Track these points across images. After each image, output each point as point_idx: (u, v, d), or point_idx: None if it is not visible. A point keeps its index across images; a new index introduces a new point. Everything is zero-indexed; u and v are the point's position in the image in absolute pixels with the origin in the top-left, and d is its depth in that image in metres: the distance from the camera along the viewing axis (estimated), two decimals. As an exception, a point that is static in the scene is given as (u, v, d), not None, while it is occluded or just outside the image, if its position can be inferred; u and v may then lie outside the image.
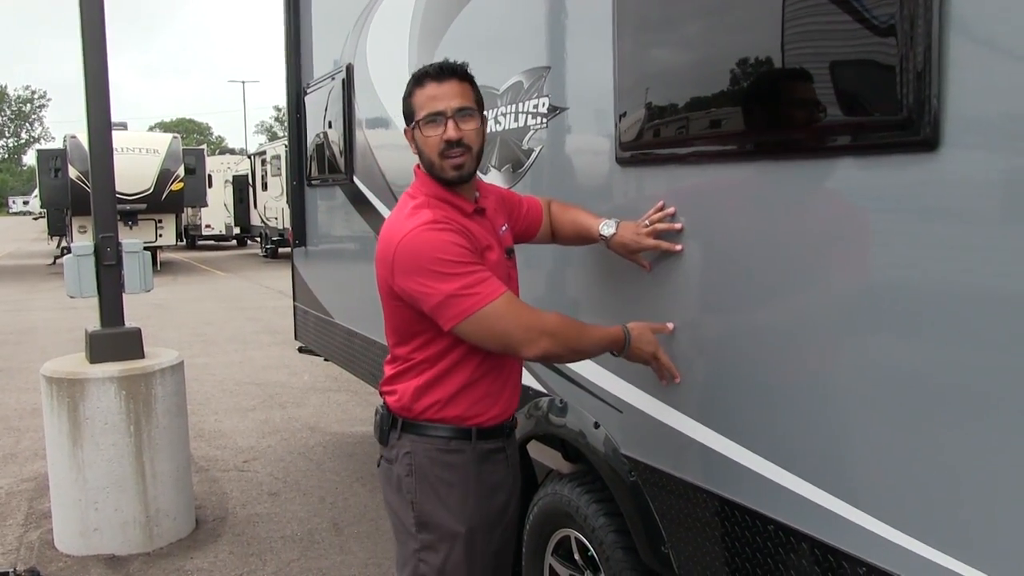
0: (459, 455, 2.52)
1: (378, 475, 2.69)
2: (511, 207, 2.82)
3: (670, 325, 2.58)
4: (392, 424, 2.57)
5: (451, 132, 2.39)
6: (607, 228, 2.70)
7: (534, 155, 3.28)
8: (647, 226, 2.58)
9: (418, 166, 2.55)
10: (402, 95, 2.52)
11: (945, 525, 1.86)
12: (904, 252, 1.90)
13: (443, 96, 2.39)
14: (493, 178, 3.58)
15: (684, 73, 2.55)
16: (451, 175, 2.43)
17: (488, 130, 3.56)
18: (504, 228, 2.68)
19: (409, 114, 2.48)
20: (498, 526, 2.62)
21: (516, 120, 3.37)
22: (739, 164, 2.38)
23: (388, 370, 2.63)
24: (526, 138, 3.31)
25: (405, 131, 2.52)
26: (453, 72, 2.44)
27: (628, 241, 2.64)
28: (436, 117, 2.39)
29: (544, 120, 3.20)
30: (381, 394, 2.67)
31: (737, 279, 2.39)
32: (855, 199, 2.02)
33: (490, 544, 2.59)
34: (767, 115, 2.25)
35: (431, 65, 2.46)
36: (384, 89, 4.72)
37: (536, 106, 3.24)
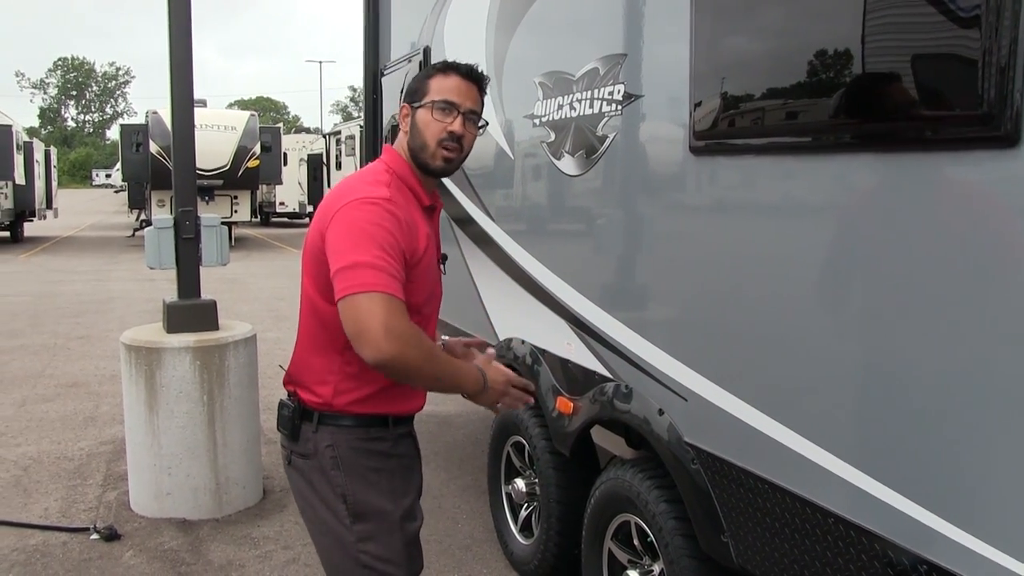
0: (379, 442, 2.47)
1: (290, 474, 2.56)
2: None
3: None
4: (304, 417, 2.46)
5: (458, 126, 2.39)
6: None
7: (608, 142, 3.29)
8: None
9: (389, 145, 2.53)
10: (417, 76, 2.50)
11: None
12: (980, 250, 1.89)
13: (463, 93, 2.40)
14: (566, 164, 3.60)
15: (759, 64, 2.54)
16: (440, 165, 2.42)
17: (563, 116, 3.59)
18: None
19: (419, 93, 2.43)
20: (417, 501, 2.57)
21: (591, 107, 3.39)
22: (814, 156, 2.37)
23: (302, 364, 2.49)
24: (600, 125, 3.33)
25: (403, 107, 2.48)
26: (479, 79, 2.46)
27: None
28: (450, 107, 2.38)
29: (619, 107, 3.21)
30: (291, 388, 2.52)
31: (810, 272, 2.39)
32: (933, 195, 2.01)
33: (416, 521, 2.54)
34: (844, 108, 2.23)
35: (460, 63, 2.47)
36: (460, 72, 4.75)
37: (611, 93, 3.25)
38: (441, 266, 2.58)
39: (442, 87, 2.40)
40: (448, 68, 2.44)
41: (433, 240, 2.49)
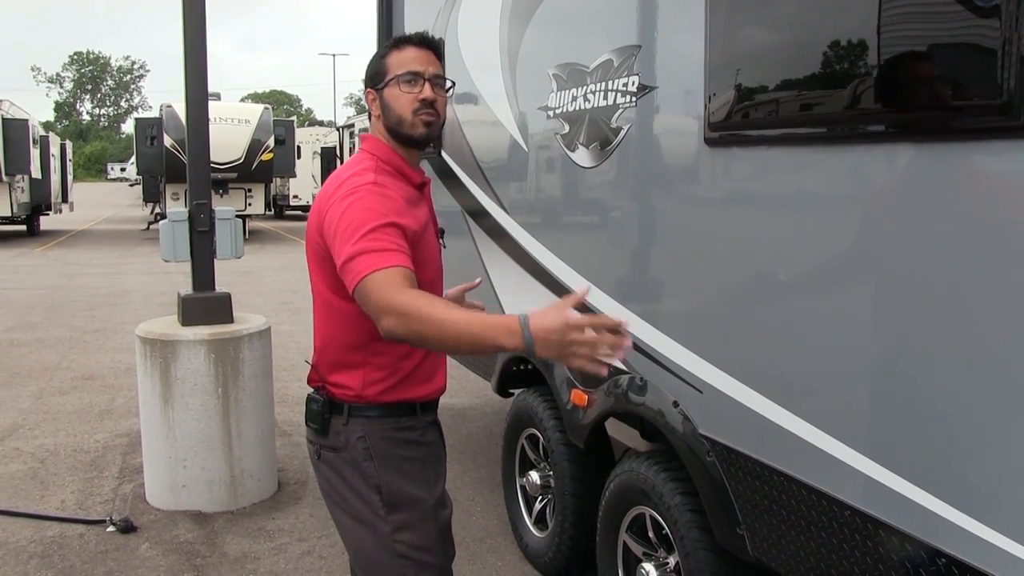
0: (411, 431, 2.48)
1: (320, 469, 2.54)
2: None
3: (584, 287, 2.23)
4: (334, 411, 2.45)
5: (428, 92, 2.39)
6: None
7: (622, 133, 3.28)
8: None
9: (367, 134, 2.53)
10: (371, 60, 2.49)
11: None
12: (998, 241, 1.87)
13: (423, 60, 2.41)
14: (581, 156, 3.59)
15: (775, 54, 2.53)
16: (422, 131, 2.42)
17: (577, 107, 3.58)
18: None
19: (380, 74, 2.44)
20: (445, 489, 2.60)
21: (605, 98, 3.37)
22: (830, 147, 2.35)
23: (328, 360, 2.48)
24: (615, 116, 3.31)
25: (367, 93, 2.48)
26: (433, 45, 2.46)
27: None
28: (415, 77, 2.39)
29: (633, 99, 3.19)
30: (318, 383, 2.51)
31: (826, 264, 2.38)
32: (951, 186, 1.99)
33: (447, 509, 2.57)
34: (861, 98, 2.22)
35: (410, 33, 2.48)
36: (474, 65, 4.75)
37: (626, 84, 3.24)
38: (440, 240, 2.60)
39: (401, 61, 2.40)
40: (400, 42, 2.45)
41: (430, 216, 2.52)
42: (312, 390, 2.54)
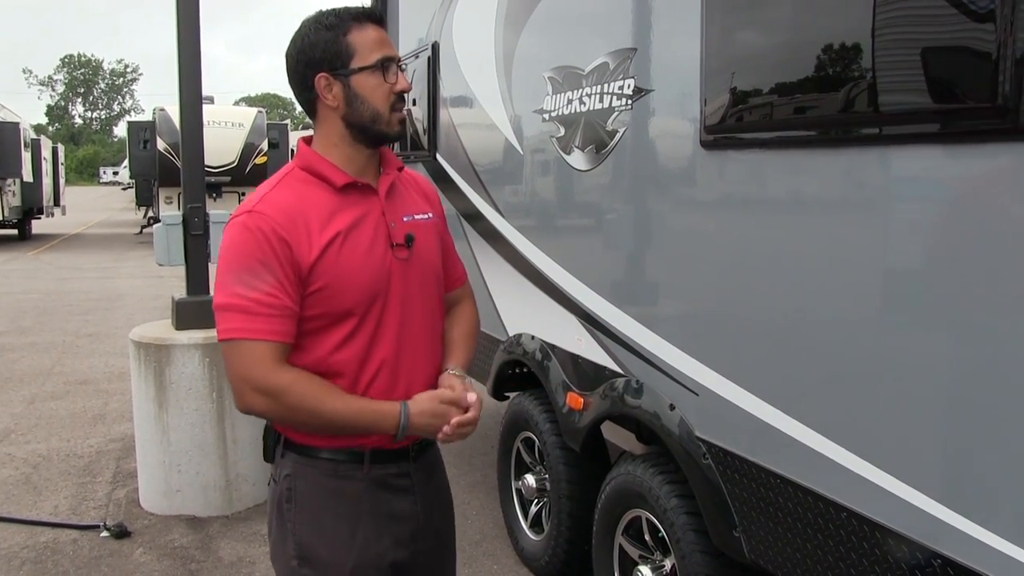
0: (348, 482, 2.08)
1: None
2: (444, 231, 2.35)
3: (473, 397, 2.18)
4: (276, 440, 2.14)
5: (404, 83, 2.07)
6: (455, 370, 2.25)
7: (618, 136, 3.28)
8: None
9: (303, 139, 2.15)
10: (318, 35, 2.02)
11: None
12: (993, 244, 1.88)
13: (387, 41, 2.06)
14: (576, 159, 3.59)
15: (771, 57, 2.53)
16: (397, 129, 2.07)
17: (572, 110, 3.58)
18: (417, 217, 2.18)
19: (342, 56, 2.01)
20: (395, 553, 2.12)
21: (601, 101, 3.38)
22: (825, 151, 2.36)
23: None
24: (610, 119, 3.32)
25: (320, 77, 2.01)
26: (384, 18, 2.14)
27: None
28: (389, 62, 2.03)
29: (629, 101, 3.20)
30: None
31: (820, 266, 2.38)
32: (947, 189, 1.99)
33: None
34: (855, 101, 2.22)
35: (364, 8, 2.09)
36: (469, 68, 4.75)
37: (621, 87, 3.24)
38: (405, 248, 2.10)
39: (367, 42, 2.02)
40: (360, 17, 2.04)
41: (376, 219, 2.08)
42: None
